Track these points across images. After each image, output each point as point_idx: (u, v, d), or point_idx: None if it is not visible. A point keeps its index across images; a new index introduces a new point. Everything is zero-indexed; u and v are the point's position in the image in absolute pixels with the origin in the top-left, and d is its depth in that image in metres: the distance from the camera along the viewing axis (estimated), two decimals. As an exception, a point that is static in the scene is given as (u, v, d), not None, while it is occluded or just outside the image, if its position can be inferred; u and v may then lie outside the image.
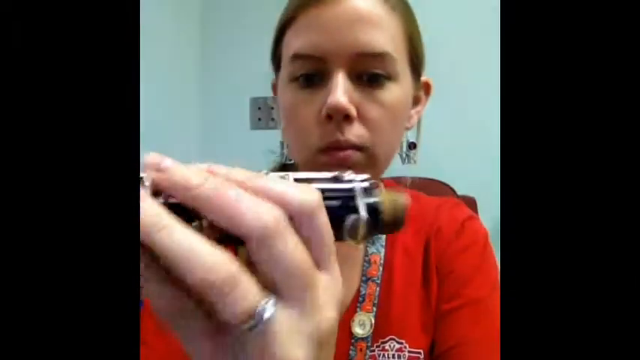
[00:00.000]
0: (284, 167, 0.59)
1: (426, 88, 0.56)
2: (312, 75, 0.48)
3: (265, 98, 1.97)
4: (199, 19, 2.08)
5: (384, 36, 0.47)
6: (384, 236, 0.58)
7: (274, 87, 0.58)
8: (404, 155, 0.56)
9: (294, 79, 0.49)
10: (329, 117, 0.46)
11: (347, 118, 0.47)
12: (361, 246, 0.57)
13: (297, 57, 0.48)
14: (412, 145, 0.56)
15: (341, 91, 0.46)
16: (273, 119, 1.97)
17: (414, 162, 0.57)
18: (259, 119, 2.01)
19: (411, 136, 0.57)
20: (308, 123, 0.48)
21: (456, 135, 1.70)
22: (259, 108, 2.01)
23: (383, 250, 0.57)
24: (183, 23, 2.02)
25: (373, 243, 0.57)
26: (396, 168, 0.67)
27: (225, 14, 2.05)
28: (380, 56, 0.47)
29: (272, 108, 1.99)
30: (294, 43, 0.49)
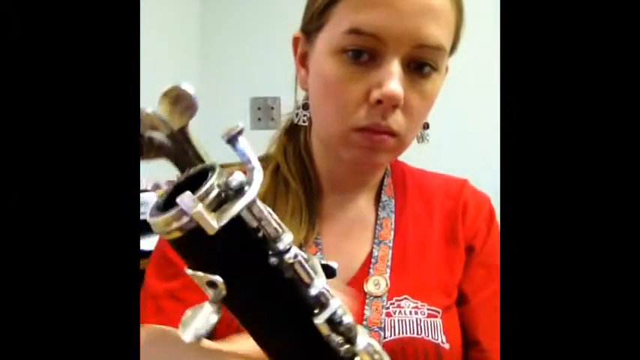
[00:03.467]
0: (294, 127, 0.59)
1: (445, 70, 0.57)
2: (363, 51, 0.47)
3: (265, 98, 1.97)
4: (199, 19, 2.08)
5: (443, 29, 0.47)
6: (393, 202, 0.59)
7: (296, 41, 0.56)
8: (419, 134, 0.56)
9: (342, 51, 0.47)
10: (379, 102, 0.46)
11: (394, 105, 0.47)
12: (372, 210, 0.58)
13: (355, 32, 0.46)
14: (426, 125, 0.57)
15: (398, 80, 0.46)
16: (273, 119, 1.97)
17: (427, 141, 0.57)
18: (259, 119, 2.01)
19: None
20: (352, 100, 0.48)
21: (457, 135, 1.70)
22: (259, 108, 2.01)
23: (393, 216, 0.57)
24: (183, 23, 2.02)
25: (384, 208, 0.58)
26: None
27: (225, 14, 2.05)
28: (436, 50, 0.47)
29: (272, 108, 1.99)
30: (356, 15, 0.47)
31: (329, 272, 0.27)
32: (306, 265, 0.25)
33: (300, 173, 0.57)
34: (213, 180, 0.22)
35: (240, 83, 2.00)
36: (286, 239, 0.24)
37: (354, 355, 0.25)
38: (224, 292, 0.22)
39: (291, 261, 0.24)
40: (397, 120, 0.48)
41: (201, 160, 0.23)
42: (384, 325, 0.51)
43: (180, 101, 0.22)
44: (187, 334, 0.21)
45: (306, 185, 0.56)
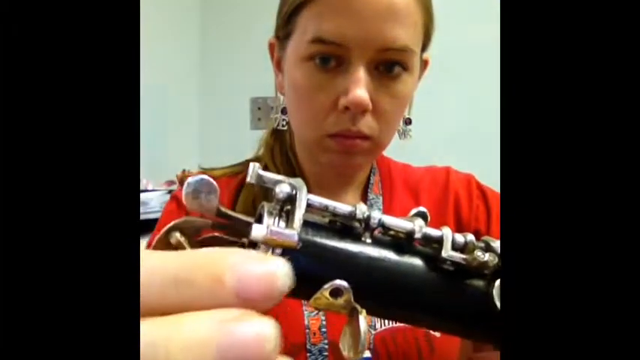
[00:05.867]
0: (276, 132, 0.60)
1: (424, 64, 0.56)
2: (329, 58, 0.47)
3: (265, 98, 1.97)
4: (199, 19, 2.08)
5: (408, 30, 0.47)
6: (380, 200, 0.59)
7: (271, 47, 0.57)
8: (401, 130, 0.57)
9: (309, 59, 0.48)
10: (347, 108, 0.46)
11: (363, 111, 0.47)
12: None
13: (319, 41, 0.46)
14: (408, 121, 0.57)
15: (363, 86, 0.46)
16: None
17: (410, 137, 0.57)
18: (259, 119, 2.01)
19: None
20: (322, 108, 0.48)
21: (457, 133, 1.70)
22: (259, 108, 2.01)
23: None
24: (184, 23, 2.02)
25: (371, 206, 0.58)
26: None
27: (225, 14, 2.05)
28: (403, 51, 0.47)
29: (272, 108, 1.99)
30: (318, 24, 0.47)
31: (421, 216, 0.26)
32: (393, 219, 0.24)
33: (287, 174, 0.57)
34: (265, 209, 0.22)
35: (240, 83, 2.00)
36: (360, 211, 0.23)
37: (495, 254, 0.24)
38: (351, 292, 0.21)
39: (376, 226, 0.23)
40: (368, 124, 0.48)
41: (249, 222, 0.23)
42: (374, 321, 0.52)
43: (200, 192, 0.23)
44: (355, 352, 0.21)
45: None
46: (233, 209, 0.58)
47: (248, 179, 0.22)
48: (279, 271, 0.17)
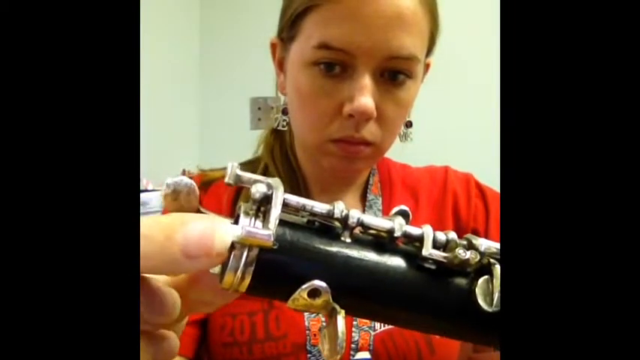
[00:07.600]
0: (276, 132, 0.60)
1: (426, 68, 0.56)
2: (335, 64, 0.47)
3: (265, 98, 1.97)
4: (199, 19, 2.09)
5: (415, 38, 0.47)
6: (380, 201, 0.59)
7: (273, 47, 0.56)
8: (402, 133, 0.56)
9: (314, 64, 0.47)
10: (350, 115, 0.46)
11: (367, 119, 0.47)
12: (360, 209, 0.59)
13: (325, 46, 0.46)
14: (409, 124, 0.57)
15: (368, 94, 0.45)
16: (273, 119, 1.97)
17: (411, 140, 0.57)
18: (259, 119, 2.01)
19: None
20: (326, 113, 0.48)
21: (457, 133, 1.70)
22: (259, 108, 2.01)
23: (380, 215, 0.58)
24: (183, 23, 2.02)
25: (370, 207, 0.58)
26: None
27: (225, 14, 2.05)
28: (408, 60, 0.47)
29: (272, 108, 1.99)
30: (324, 29, 0.46)
31: (403, 214, 0.26)
32: (372, 218, 0.24)
33: (287, 174, 0.57)
34: (241, 209, 0.21)
35: (240, 83, 2.00)
36: (338, 210, 0.23)
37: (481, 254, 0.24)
38: (330, 293, 0.21)
39: (354, 225, 0.23)
40: (371, 130, 0.48)
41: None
42: (373, 322, 0.52)
43: (179, 193, 0.22)
44: (333, 353, 0.21)
45: (294, 187, 0.56)
46: (232, 212, 0.58)
47: (226, 179, 0.22)
48: (217, 229, 0.19)
